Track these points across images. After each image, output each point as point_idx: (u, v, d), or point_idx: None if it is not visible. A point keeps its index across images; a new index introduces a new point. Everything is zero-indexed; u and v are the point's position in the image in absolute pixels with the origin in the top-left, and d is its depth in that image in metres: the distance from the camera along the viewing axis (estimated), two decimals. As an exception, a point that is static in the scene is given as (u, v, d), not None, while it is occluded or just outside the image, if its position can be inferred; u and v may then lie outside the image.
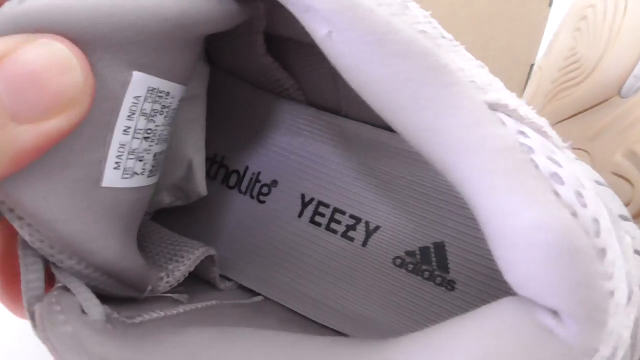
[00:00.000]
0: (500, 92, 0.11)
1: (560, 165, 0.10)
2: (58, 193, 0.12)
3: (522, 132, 0.10)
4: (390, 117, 0.11)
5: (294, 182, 0.20)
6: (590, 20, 0.28)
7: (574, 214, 0.09)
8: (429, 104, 0.11)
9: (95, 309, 0.12)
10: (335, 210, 0.19)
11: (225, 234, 0.21)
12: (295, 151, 0.20)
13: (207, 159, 0.22)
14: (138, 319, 0.14)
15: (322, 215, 0.19)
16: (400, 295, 0.18)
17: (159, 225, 0.19)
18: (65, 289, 0.13)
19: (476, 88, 0.11)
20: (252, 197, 0.21)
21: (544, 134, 0.11)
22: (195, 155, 0.19)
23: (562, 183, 0.09)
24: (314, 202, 0.20)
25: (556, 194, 0.09)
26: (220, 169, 0.21)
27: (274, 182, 0.20)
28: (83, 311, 0.12)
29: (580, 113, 0.26)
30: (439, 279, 0.18)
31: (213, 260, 0.18)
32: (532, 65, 0.31)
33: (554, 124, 0.28)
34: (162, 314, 0.14)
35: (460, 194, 0.11)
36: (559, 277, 0.09)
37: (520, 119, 0.11)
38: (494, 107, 0.11)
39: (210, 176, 0.22)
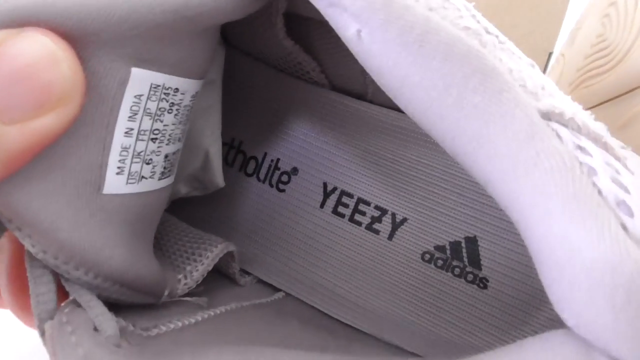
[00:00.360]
0: (554, 97, 0.10)
1: (627, 192, 0.08)
2: (56, 201, 0.11)
3: (581, 148, 0.09)
4: (428, 126, 0.10)
5: (316, 170, 0.19)
6: (621, 5, 0.27)
7: None
8: (475, 113, 0.09)
9: (108, 324, 0.12)
10: (360, 200, 0.18)
11: (244, 224, 0.20)
12: (317, 137, 0.19)
13: (224, 144, 0.21)
14: (154, 331, 0.13)
15: (346, 205, 0.18)
16: (428, 292, 0.17)
17: (175, 218, 0.18)
18: (77, 303, 0.12)
19: (528, 93, 0.09)
20: (271, 185, 0.20)
21: (604, 145, 0.09)
22: (212, 144, 0.18)
23: (631, 215, 0.08)
24: (337, 192, 0.19)
25: (624, 228, 0.08)
26: (238, 155, 0.20)
27: (294, 170, 0.19)
28: (96, 328, 0.11)
29: (609, 101, 0.25)
30: (470, 276, 0.17)
31: (233, 256, 0.17)
32: (550, 54, 0.31)
33: (579, 112, 0.28)
34: (180, 324, 0.13)
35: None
36: (626, 325, 0.08)
37: (577, 129, 0.09)
38: (547, 116, 0.09)
39: (227, 163, 0.21)
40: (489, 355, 0.10)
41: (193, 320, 0.14)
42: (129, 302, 0.14)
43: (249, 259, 0.19)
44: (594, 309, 0.08)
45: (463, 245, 0.17)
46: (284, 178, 0.19)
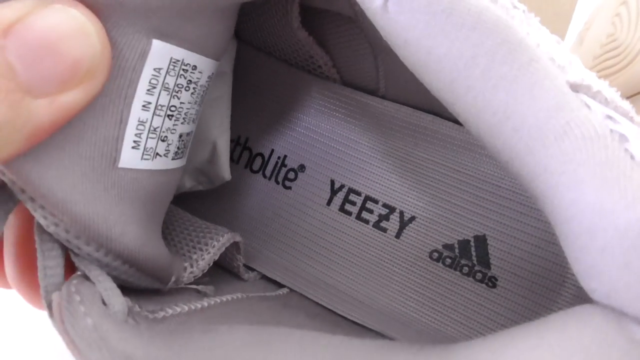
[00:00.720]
0: (581, 72, 0.10)
1: None
2: (70, 172, 0.11)
3: (610, 117, 0.09)
4: (452, 99, 0.10)
5: (323, 167, 0.19)
6: (632, 5, 0.27)
7: None
8: (502, 84, 0.09)
9: (117, 299, 0.11)
10: (368, 198, 0.18)
11: (248, 221, 0.19)
12: (326, 134, 0.19)
13: (230, 141, 0.20)
14: (161, 314, 0.13)
15: (353, 203, 0.18)
16: (436, 291, 0.17)
17: (180, 209, 0.18)
18: (86, 277, 0.11)
19: (556, 67, 0.09)
20: (277, 182, 0.20)
21: (631, 119, 0.09)
22: (220, 136, 0.18)
23: None
24: (344, 189, 0.18)
25: None
26: (244, 152, 0.20)
27: (301, 167, 0.19)
28: (104, 302, 0.11)
29: (619, 102, 0.25)
30: (479, 275, 0.16)
31: (238, 247, 0.17)
32: None
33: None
34: (186, 308, 0.13)
35: (521, 187, 0.10)
36: None
37: (605, 102, 0.09)
38: (576, 88, 0.09)
39: (232, 160, 0.20)
40: (513, 331, 0.09)
41: (199, 306, 0.13)
42: (135, 286, 0.13)
43: (253, 255, 0.18)
44: (627, 273, 0.08)
45: (472, 244, 0.17)
46: (291, 175, 0.19)
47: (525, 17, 0.10)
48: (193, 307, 0.13)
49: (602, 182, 0.08)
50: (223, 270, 0.18)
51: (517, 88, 0.09)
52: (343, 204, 0.18)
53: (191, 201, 0.20)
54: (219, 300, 0.14)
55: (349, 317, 0.17)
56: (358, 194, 0.18)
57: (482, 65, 0.09)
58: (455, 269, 0.17)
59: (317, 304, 0.17)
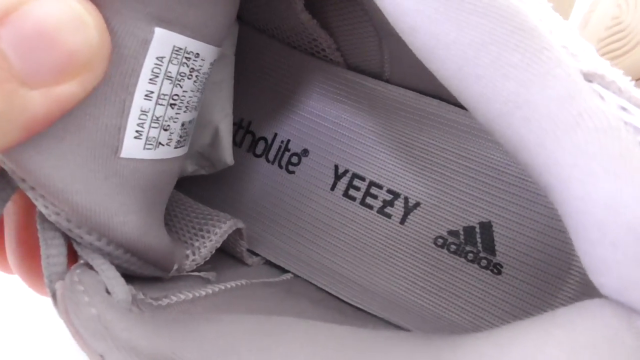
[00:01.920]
0: (595, 61, 0.09)
1: None
2: (71, 162, 0.11)
3: (624, 109, 0.09)
4: (460, 87, 0.10)
5: (327, 151, 0.19)
6: None
7: None
8: (513, 73, 0.09)
9: (120, 288, 0.11)
10: (372, 184, 0.18)
11: (251, 206, 0.19)
12: (330, 118, 0.19)
13: (233, 124, 0.20)
14: (165, 301, 0.13)
15: (357, 188, 0.18)
16: (440, 277, 0.17)
17: (182, 194, 0.17)
18: (89, 266, 0.11)
19: (569, 55, 0.09)
20: (280, 166, 0.19)
21: (645, 110, 0.09)
22: (222, 120, 0.17)
23: None
24: (349, 175, 0.18)
25: None
26: (247, 136, 0.20)
27: (305, 152, 0.19)
28: (107, 291, 0.11)
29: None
30: (484, 262, 0.16)
31: (241, 233, 0.17)
32: None
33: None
34: (190, 295, 0.13)
35: (529, 177, 0.09)
36: None
37: (619, 92, 0.09)
38: (589, 77, 0.09)
39: (235, 143, 0.20)
40: (520, 325, 0.09)
41: (204, 293, 0.13)
42: (138, 274, 0.13)
43: (256, 240, 0.18)
44: (638, 269, 0.08)
45: (477, 230, 0.17)
46: (294, 159, 0.19)
47: (537, 3, 0.10)
48: (197, 295, 0.13)
49: (615, 176, 0.08)
50: (227, 256, 0.18)
51: (528, 77, 0.09)
52: (347, 189, 0.18)
53: (192, 186, 0.20)
54: (223, 287, 0.14)
55: (352, 302, 0.17)
56: (362, 179, 0.18)
57: (494, 52, 0.09)
58: (460, 256, 0.17)
59: (321, 289, 0.17)
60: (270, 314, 0.13)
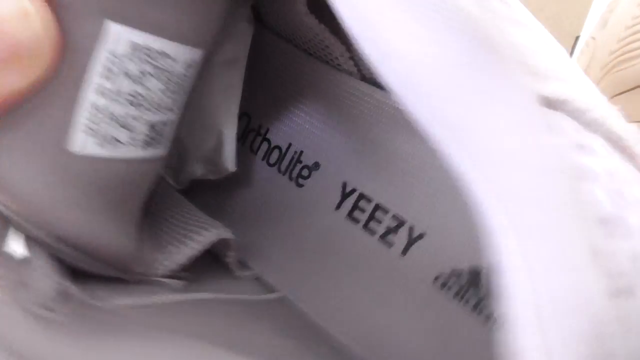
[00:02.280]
0: (566, 82, 0.07)
1: (622, 208, 0.06)
2: (11, 149, 0.10)
3: (582, 147, 0.07)
4: (405, 100, 0.08)
5: (337, 167, 0.17)
6: None
7: (617, 294, 0.06)
8: (461, 92, 0.07)
9: (45, 280, 0.11)
10: (378, 207, 0.16)
11: (256, 215, 0.19)
12: (342, 132, 0.17)
13: (251, 130, 0.20)
14: (113, 302, 0.12)
15: (362, 210, 0.17)
16: (436, 321, 0.15)
17: (182, 197, 0.17)
18: (22, 260, 0.11)
19: (527, 73, 0.07)
20: (290, 178, 0.18)
21: (623, 150, 0.07)
22: (227, 125, 0.17)
23: (612, 236, 0.06)
24: (355, 194, 0.17)
25: (595, 254, 0.06)
26: (263, 143, 0.19)
27: (316, 165, 0.18)
28: (26, 284, 0.11)
29: (644, 85, 0.23)
30: (486, 310, 0.14)
31: (229, 245, 0.16)
32: (577, 37, 0.30)
33: (612, 96, 0.26)
34: (140, 301, 0.12)
35: None
36: None
37: (587, 123, 0.07)
38: (552, 103, 0.07)
39: (251, 150, 0.20)
40: None
41: (159, 301, 0.13)
42: (95, 272, 0.13)
43: (252, 251, 0.18)
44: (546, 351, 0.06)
45: (483, 273, 0.14)
46: (305, 172, 0.18)
47: (505, 8, 0.08)
48: (140, 302, 0.12)
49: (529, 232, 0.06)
50: (218, 265, 0.17)
51: (471, 98, 0.07)
52: (352, 210, 0.17)
53: (208, 190, 0.19)
54: (182, 298, 0.13)
55: (333, 333, 0.15)
56: (369, 200, 0.17)
57: (445, 70, 0.08)
58: (461, 299, 0.15)
59: (298, 319, 0.16)
60: (212, 334, 0.12)
